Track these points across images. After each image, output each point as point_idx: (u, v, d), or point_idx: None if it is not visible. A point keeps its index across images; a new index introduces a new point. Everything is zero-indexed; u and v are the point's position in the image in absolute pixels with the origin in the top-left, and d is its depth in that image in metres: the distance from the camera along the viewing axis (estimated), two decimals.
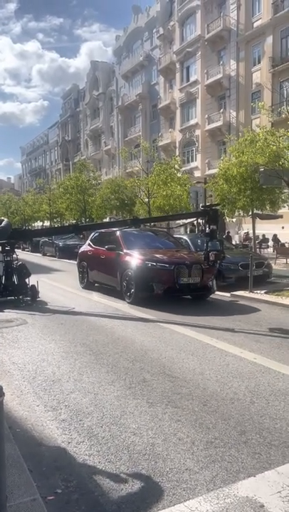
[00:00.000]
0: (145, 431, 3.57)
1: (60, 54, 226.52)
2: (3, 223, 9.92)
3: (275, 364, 5.27)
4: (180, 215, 18.64)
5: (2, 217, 10.93)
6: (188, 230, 25.80)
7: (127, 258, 9.98)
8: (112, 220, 31.42)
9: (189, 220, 18.46)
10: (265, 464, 3.07)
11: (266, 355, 5.67)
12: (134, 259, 9.80)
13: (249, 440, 3.40)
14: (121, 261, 10.13)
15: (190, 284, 9.48)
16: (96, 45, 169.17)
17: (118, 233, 10.92)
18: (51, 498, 2.71)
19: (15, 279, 10.21)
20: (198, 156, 36.28)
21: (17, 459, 2.94)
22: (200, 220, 12.38)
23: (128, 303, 9.68)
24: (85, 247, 12.58)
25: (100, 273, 11.33)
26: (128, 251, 10.18)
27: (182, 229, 25.77)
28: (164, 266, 9.46)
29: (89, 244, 12.42)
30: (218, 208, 9.99)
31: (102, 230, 12.21)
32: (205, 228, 9.15)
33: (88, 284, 11.93)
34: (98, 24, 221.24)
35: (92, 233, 12.96)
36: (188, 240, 13.34)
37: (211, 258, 9.03)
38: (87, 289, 11.80)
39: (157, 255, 9.91)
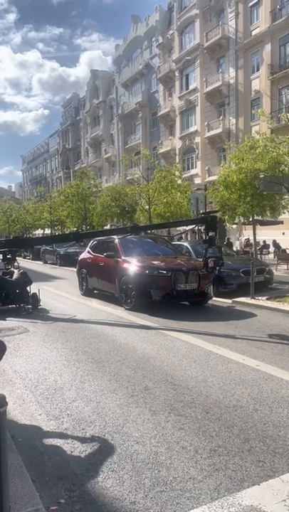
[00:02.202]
0: (148, 439, 3.55)
1: (60, 63, 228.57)
2: None
3: (277, 371, 5.25)
4: (179, 222, 18.77)
5: None
6: (188, 237, 25.83)
7: (125, 265, 10.08)
8: (112, 227, 31.46)
9: (190, 227, 18.51)
10: (270, 472, 3.05)
11: (269, 361, 5.65)
12: (131, 266, 9.91)
13: (253, 448, 3.38)
14: (119, 268, 10.24)
15: (187, 290, 9.58)
16: (96, 54, 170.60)
17: (116, 240, 11.02)
18: (54, 508, 2.69)
19: None
20: (198, 163, 36.40)
21: (20, 469, 2.92)
22: (199, 227, 12.41)
23: (126, 309, 9.76)
24: (85, 255, 12.71)
25: (99, 280, 11.44)
26: (126, 258, 10.30)
27: (183, 235, 25.80)
28: (162, 272, 9.55)
29: (88, 252, 12.52)
30: (216, 214, 10.15)
31: (101, 238, 12.29)
32: (205, 235, 9.21)
33: (87, 291, 12.06)
34: (97, 34, 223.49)
35: (91, 241, 13.07)
36: (190, 247, 13.39)
37: (210, 265, 9.16)
38: (87, 296, 11.91)
39: (155, 262, 10.00)
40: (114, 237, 11.34)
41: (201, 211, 21.86)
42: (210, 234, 8.91)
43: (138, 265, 9.81)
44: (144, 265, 9.78)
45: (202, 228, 9.42)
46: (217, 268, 9.18)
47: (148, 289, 9.46)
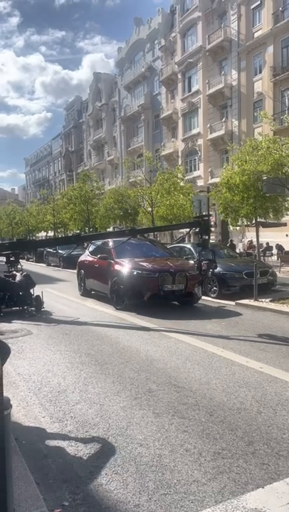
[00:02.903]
0: (152, 442, 3.54)
1: (62, 66, 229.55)
2: None
3: (281, 373, 5.23)
4: (173, 225, 19.28)
5: None
6: (191, 238, 25.82)
7: (117, 266, 10.45)
8: (115, 229, 31.47)
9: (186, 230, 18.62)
10: (274, 474, 3.04)
11: (272, 364, 5.63)
12: (122, 267, 10.28)
13: (257, 451, 3.37)
14: (111, 269, 10.61)
15: (174, 290, 9.87)
16: (98, 57, 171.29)
17: (110, 243, 11.44)
18: (58, 511, 2.69)
19: None
20: (201, 165, 36.41)
21: (24, 472, 2.92)
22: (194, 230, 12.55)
23: (117, 309, 10.09)
24: (83, 257, 13.13)
25: (95, 281, 11.83)
26: (118, 260, 10.65)
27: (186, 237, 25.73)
28: (149, 274, 9.85)
29: (88, 254, 12.91)
30: (209, 218, 10.41)
31: (99, 241, 12.68)
32: (200, 238, 9.36)
33: (85, 292, 12.48)
34: (100, 36, 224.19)
35: (89, 244, 13.48)
36: (192, 249, 13.40)
37: (203, 267, 9.93)
38: (85, 296, 12.35)
39: (143, 264, 10.28)
40: (110, 240, 11.75)
41: (205, 213, 21.89)
42: (204, 237, 9.07)
43: (127, 266, 10.16)
44: (132, 266, 10.09)
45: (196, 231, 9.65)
46: (210, 270, 9.68)
47: (136, 289, 9.76)
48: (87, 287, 12.36)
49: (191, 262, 11.54)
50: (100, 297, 11.54)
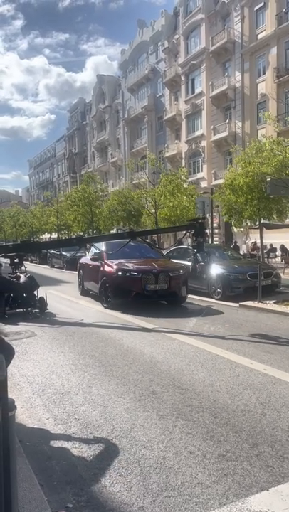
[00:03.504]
0: (156, 444, 3.53)
1: (66, 69, 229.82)
2: None
3: (286, 375, 5.21)
4: (170, 228, 19.72)
5: None
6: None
7: (105, 267, 11.02)
8: (118, 231, 31.48)
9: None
10: (278, 477, 3.03)
11: (277, 366, 5.61)
12: (109, 268, 10.85)
13: (261, 453, 3.35)
14: (101, 270, 11.20)
15: (157, 290, 10.33)
16: (101, 59, 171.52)
17: (104, 245, 11.89)
18: None
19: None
20: (205, 167, 36.38)
21: (28, 473, 2.93)
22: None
23: (105, 307, 10.64)
24: (83, 259, 13.74)
25: (90, 281, 12.36)
26: (107, 261, 11.13)
27: (189, 239, 25.65)
28: (133, 274, 10.34)
29: (87, 256, 13.58)
30: (204, 221, 10.70)
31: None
32: (195, 240, 9.54)
33: (84, 291, 13.04)
34: (103, 39, 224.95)
35: (91, 246, 13.74)
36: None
37: (198, 269, 10.49)
38: (83, 296, 12.86)
39: (129, 265, 10.73)
40: (104, 242, 12.17)
41: (207, 214, 21.88)
42: (198, 239, 9.27)
43: (114, 267, 10.67)
44: (118, 267, 10.58)
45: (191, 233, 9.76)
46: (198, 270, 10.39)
47: (121, 288, 10.28)
48: (85, 287, 12.94)
49: (187, 263, 11.97)
50: (96, 296, 11.89)
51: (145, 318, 9.21)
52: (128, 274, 10.34)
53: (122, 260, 10.95)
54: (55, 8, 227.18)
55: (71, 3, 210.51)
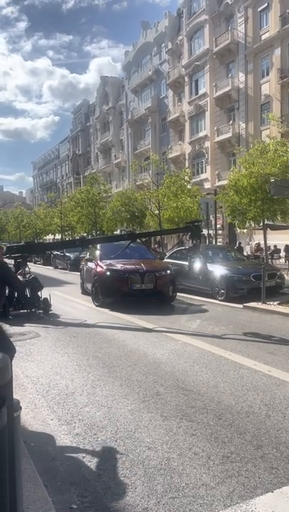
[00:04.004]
0: (160, 445, 3.53)
1: (70, 70, 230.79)
2: None
3: None
4: (167, 230, 20.35)
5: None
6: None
7: (98, 268, 11.51)
8: (122, 232, 31.52)
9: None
10: (283, 479, 3.02)
11: (281, 367, 5.59)
12: (100, 268, 11.33)
13: (266, 455, 3.34)
14: (94, 270, 11.73)
15: (143, 289, 10.75)
16: (105, 60, 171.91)
17: (99, 246, 12.51)
18: None
19: (28, 292, 10.28)
20: (208, 168, 36.36)
21: (32, 474, 2.93)
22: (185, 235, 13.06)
23: (96, 306, 11.09)
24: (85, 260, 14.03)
25: (88, 281, 12.66)
26: (100, 262, 11.64)
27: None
28: (120, 274, 10.82)
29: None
30: (200, 223, 11.09)
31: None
32: (192, 242, 9.85)
33: (84, 291, 13.39)
34: (107, 40, 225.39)
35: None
36: None
37: (196, 271, 10.88)
38: (84, 295, 13.12)
39: (118, 265, 11.14)
40: (99, 244, 12.72)
41: (211, 215, 21.87)
42: (194, 242, 9.55)
43: (104, 267, 11.17)
44: (107, 267, 11.08)
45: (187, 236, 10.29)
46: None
47: (109, 287, 10.76)
48: (85, 287, 13.32)
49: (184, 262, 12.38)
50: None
51: (149, 319, 9.21)
52: (116, 274, 10.81)
53: (114, 261, 11.32)
54: (59, 10, 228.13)
55: (75, 5, 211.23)
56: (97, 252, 12.22)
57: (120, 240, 11.90)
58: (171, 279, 11.21)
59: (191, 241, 9.62)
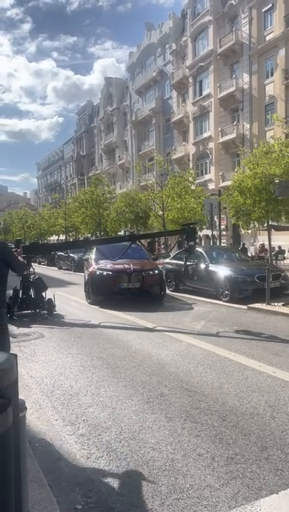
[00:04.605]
0: (164, 446, 3.53)
1: (74, 71, 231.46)
2: None
3: None
4: (164, 232, 20.82)
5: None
6: (202, 242, 25.65)
7: (90, 267, 12.18)
8: (126, 233, 31.54)
9: (204, 233, 18.89)
10: (288, 480, 3.00)
11: (286, 368, 5.57)
12: (92, 268, 11.99)
13: (270, 456, 3.33)
14: (87, 269, 12.46)
15: (130, 288, 11.28)
16: (109, 62, 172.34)
17: (96, 247, 13.05)
18: None
19: (32, 292, 10.31)
20: (212, 169, 36.32)
21: (37, 474, 2.94)
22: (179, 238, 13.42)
23: (88, 303, 11.72)
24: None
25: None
26: (93, 262, 12.27)
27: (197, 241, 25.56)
28: (108, 273, 11.36)
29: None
30: (195, 226, 11.46)
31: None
32: (187, 244, 10.04)
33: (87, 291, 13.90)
34: (111, 42, 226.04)
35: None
36: (204, 253, 13.37)
37: (189, 272, 11.61)
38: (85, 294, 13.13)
39: (108, 265, 11.60)
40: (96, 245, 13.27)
41: (215, 216, 21.86)
42: (190, 243, 9.77)
43: (95, 267, 11.82)
44: (98, 268, 11.71)
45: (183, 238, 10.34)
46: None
47: (98, 286, 11.37)
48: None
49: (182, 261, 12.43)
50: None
51: (153, 320, 9.21)
52: (104, 274, 11.39)
53: (106, 261, 11.67)
54: (64, 12, 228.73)
55: (79, 7, 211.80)
56: (93, 253, 12.89)
57: (121, 242, 12.23)
58: (159, 279, 11.71)
59: (186, 243, 9.88)
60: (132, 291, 11.34)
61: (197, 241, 24.00)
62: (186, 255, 10.53)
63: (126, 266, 11.42)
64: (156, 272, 11.82)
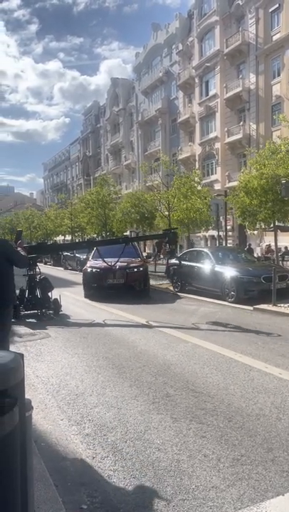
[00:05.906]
0: (170, 447, 3.53)
1: (80, 72, 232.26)
2: None
3: None
4: (148, 236, 22.08)
5: None
6: (208, 243, 25.46)
7: (85, 266, 13.64)
8: (132, 233, 31.58)
9: (209, 234, 18.95)
10: None
11: None
12: (85, 266, 13.56)
13: (276, 458, 3.32)
14: (84, 268, 13.78)
15: (115, 283, 12.71)
16: (115, 62, 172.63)
17: (96, 248, 13.90)
18: None
19: (38, 292, 10.34)
20: (218, 169, 36.22)
21: (43, 474, 2.94)
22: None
23: (84, 297, 12.94)
24: None
25: None
26: (88, 261, 13.87)
27: (203, 242, 25.56)
28: (97, 270, 12.76)
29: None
30: (176, 230, 12.58)
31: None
32: (169, 247, 10.88)
33: None
34: (117, 42, 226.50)
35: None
36: (210, 253, 13.38)
37: (171, 272, 13.71)
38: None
39: (98, 263, 12.71)
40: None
41: (221, 217, 21.80)
42: (171, 247, 10.72)
43: (87, 265, 13.41)
44: (90, 265, 13.25)
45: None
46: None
47: (89, 281, 12.93)
48: None
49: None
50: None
51: (159, 320, 9.20)
52: (94, 271, 12.86)
53: (100, 260, 12.44)
54: (70, 13, 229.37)
55: (86, 8, 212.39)
56: (91, 253, 14.37)
57: (117, 243, 12.95)
58: (142, 275, 13.09)
59: (168, 246, 10.69)
60: (116, 286, 12.71)
61: (198, 242, 23.93)
62: (168, 258, 11.76)
63: (112, 264, 11.96)
64: (141, 269, 13.07)
